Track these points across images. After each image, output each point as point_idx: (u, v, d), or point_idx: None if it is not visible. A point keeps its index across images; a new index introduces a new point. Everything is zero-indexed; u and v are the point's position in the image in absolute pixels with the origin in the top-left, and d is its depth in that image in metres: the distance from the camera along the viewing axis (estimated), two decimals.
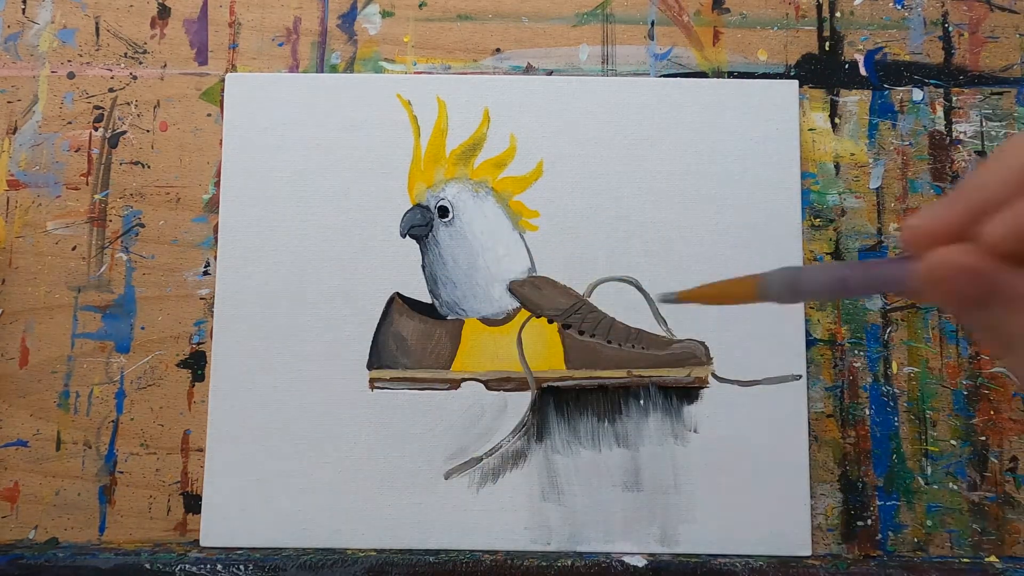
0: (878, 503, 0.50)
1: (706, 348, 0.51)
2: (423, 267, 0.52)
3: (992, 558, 0.50)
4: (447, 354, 0.51)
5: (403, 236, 0.52)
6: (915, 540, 0.50)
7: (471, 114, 0.53)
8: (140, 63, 0.55)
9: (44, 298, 0.52)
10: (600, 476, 0.50)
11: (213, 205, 0.53)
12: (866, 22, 0.55)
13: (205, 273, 0.53)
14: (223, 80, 0.54)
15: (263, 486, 0.50)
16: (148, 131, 0.54)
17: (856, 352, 0.52)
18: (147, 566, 0.47)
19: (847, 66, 0.54)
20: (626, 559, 0.48)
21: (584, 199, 0.52)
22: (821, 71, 0.54)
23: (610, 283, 0.52)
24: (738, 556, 0.49)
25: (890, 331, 0.52)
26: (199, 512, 0.50)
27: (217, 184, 0.53)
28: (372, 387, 0.51)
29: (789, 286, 0.32)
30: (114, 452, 0.51)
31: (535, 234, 0.52)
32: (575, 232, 0.52)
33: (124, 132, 0.54)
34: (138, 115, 0.54)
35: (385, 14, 0.55)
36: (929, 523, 0.50)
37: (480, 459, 0.50)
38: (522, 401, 0.51)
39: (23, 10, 0.55)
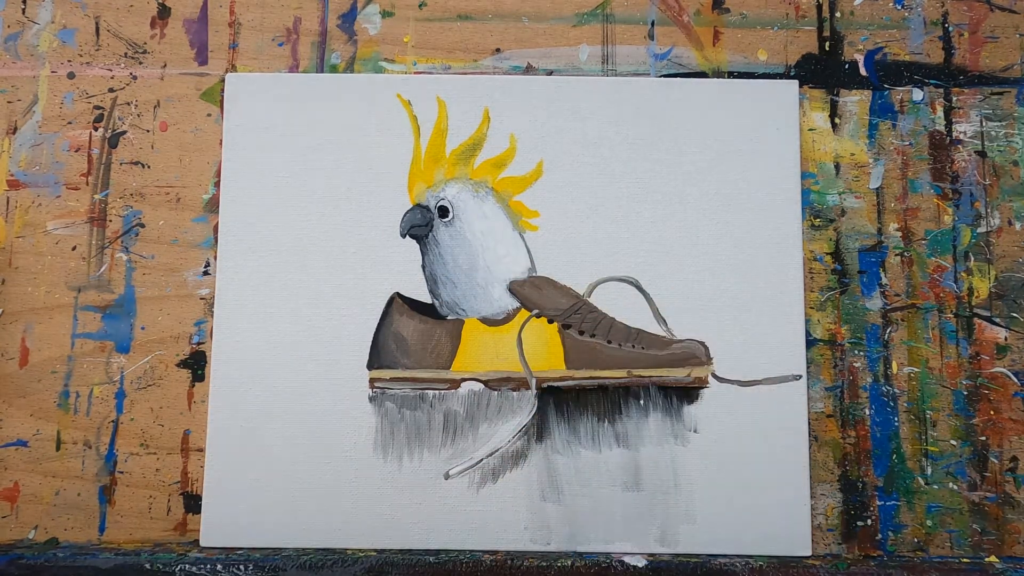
0: (878, 503, 0.50)
1: (706, 348, 0.51)
2: (423, 267, 0.52)
3: (992, 558, 0.50)
4: (447, 354, 0.51)
5: (403, 236, 0.52)
6: (915, 540, 0.50)
7: (471, 114, 0.53)
8: (140, 63, 0.55)
9: (44, 298, 0.52)
10: (600, 476, 0.50)
11: (213, 205, 0.53)
12: (866, 22, 0.55)
13: (205, 273, 0.53)
14: (223, 80, 0.54)
15: (263, 486, 0.50)
16: (148, 131, 0.54)
17: (856, 352, 0.52)
18: (147, 566, 0.47)
19: (847, 66, 0.55)
20: (626, 559, 0.48)
21: (584, 199, 0.52)
22: (821, 71, 0.54)
23: (610, 283, 0.52)
24: (738, 556, 0.49)
25: (890, 331, 0.52)
26: (199, 512, 0.50)
27: (217, 184, 0.53)
28: (372, 387, 0.51)
29: None
30: (114, 452, 0.51)
31: (535, 234, 0.52)
32: (575, 232, 0.52)
33: (124, 132, 0.54)
34: (138, 115, 0.54)
35: (385, 14, 0.55)
36: (929, 523, 0.50)
37: (480, 459, 0.50)
38: (522, 401, 0.51)
39: (23, 10, 0.55)
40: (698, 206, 0.52)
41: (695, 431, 0.50)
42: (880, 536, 0.50)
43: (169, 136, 0.54)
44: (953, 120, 0.54)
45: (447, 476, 0.50)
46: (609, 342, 0.51)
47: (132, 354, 0.52)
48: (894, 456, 0.51)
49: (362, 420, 0.51)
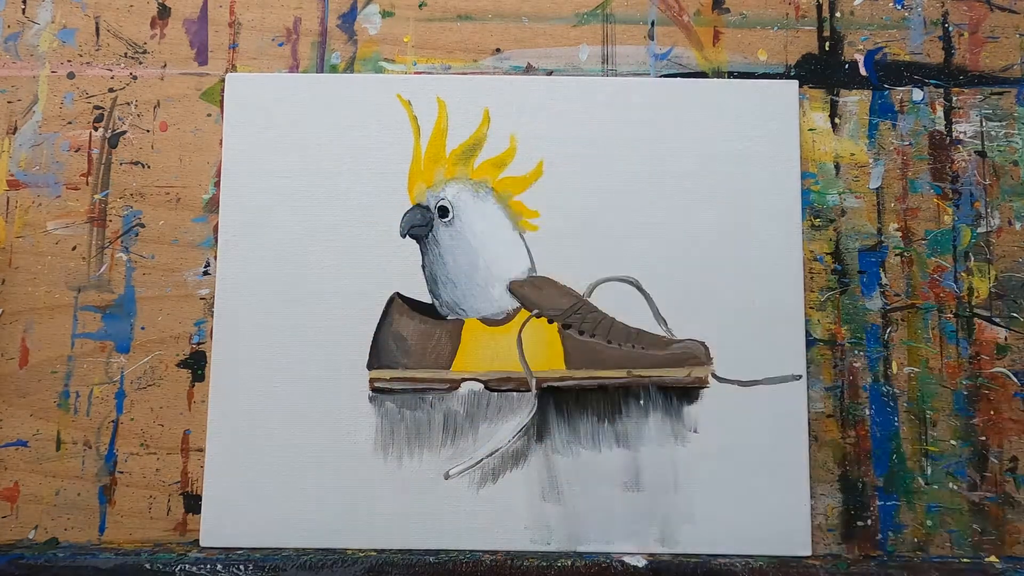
0: (878, 503, 0.50)
1: (706, 348, 0.51)
2: (423, 267, 0.52)
3: (992, 558, 0.50)
4: (447, 354, 0.51)
5: (403, 236, 0.52)
6: (915, 540, 0.50)
7: (471, 114, 0.53)
8: (140, 63, 0.55)
9: (44, 298, 0.52)
10: (600, 476, 0.50)
11: (213, 205, 0.53)
12: (866, 22, 0.55)
13: (205, 273, 0.53)
14: (223, 80, 0.54)
15: (263, 486, 0.50)
16: (148, 131, 0.54)
17: (856, 352, 0.52)
18: (147, 566, 0.47)
19: (847, 66, 0.55)
20: (626, 559, 0.48)
21: (584, 199, 0.52)
22: (821, 71, 0.54)
23: (610, 283, 0.52)
24: (738, 556, 0.49)
25: (890, 331, 0.52)
26: (199, 512, 0.50)
27: (217, 184, 0.53)
28: (372, 387, 0.51)
29: None
30: (114, 452, 0.51)
31: (535, 234, 0.52)
32: (575, 232, 0.52)
33: (124, 132, 0.54)
34: (138, 115, 0.54)
35: (385, 14, 0.55)
36: (929, 523, 0.50)
37: (480, 459, 0.50)
38: (522, 401, 0.51)
39: (23, 10, 0.55)
40: (698, 206, 0.52)
41: (695, 431, 0.50)
42: (880, 536, 0.50)
43: (169, 136, 0.54)
44: (953, 120, 0.54)
45: (447, 476, 0.50)
46: (609, 342, 0.51)
47: (132, 354, 0.52)
48: (894, 456, 0.51)
49: (362, 420, 0.51)
